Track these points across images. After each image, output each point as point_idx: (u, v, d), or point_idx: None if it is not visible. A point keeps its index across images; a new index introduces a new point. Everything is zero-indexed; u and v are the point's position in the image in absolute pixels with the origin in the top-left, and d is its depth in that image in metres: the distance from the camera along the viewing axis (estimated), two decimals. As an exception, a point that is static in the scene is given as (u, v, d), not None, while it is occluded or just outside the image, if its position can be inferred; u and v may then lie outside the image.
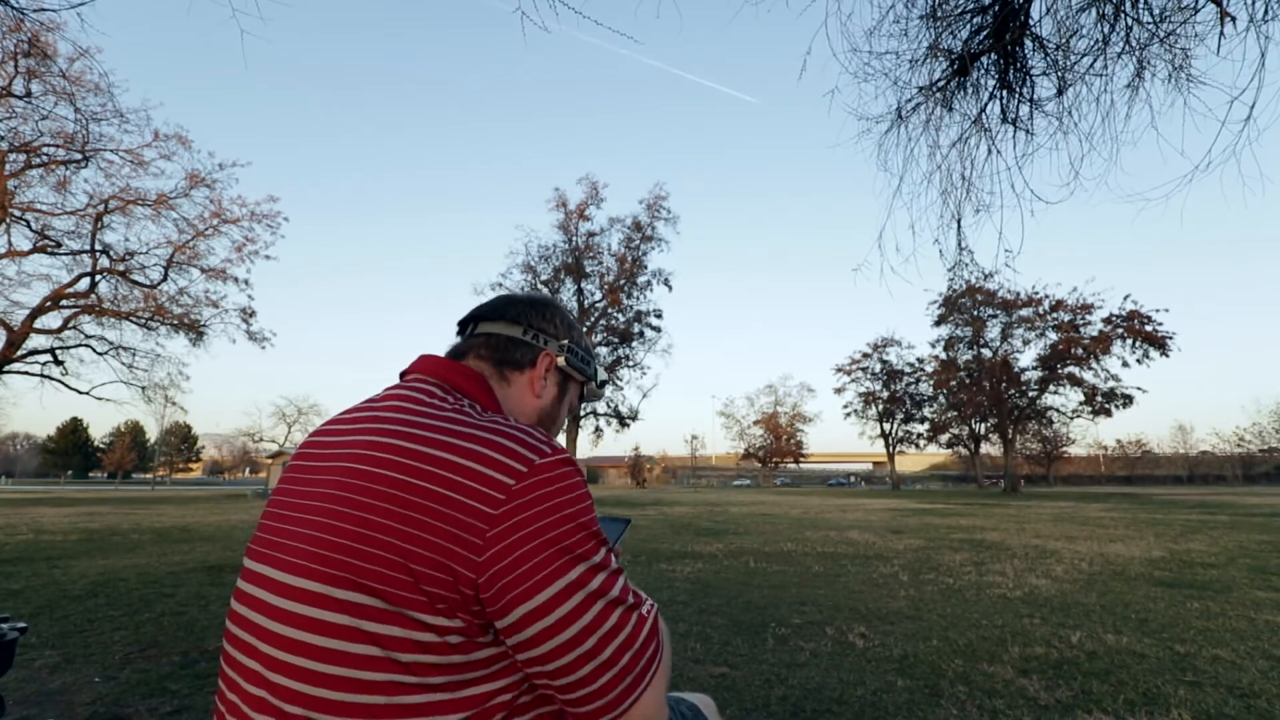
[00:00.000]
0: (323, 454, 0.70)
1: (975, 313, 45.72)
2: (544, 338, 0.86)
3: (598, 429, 37.25)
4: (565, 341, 0.88)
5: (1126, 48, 2.89)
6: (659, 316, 36.19)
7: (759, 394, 74.44)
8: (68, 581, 6.09)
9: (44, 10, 3.42)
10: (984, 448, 53.68)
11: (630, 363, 36.21)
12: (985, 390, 45.16)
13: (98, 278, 21.56)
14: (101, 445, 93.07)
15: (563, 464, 0.64)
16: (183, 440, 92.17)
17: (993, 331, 45.96)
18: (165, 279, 22.09)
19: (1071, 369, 42.60)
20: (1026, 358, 46.49)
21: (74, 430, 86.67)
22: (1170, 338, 38.75)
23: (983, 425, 49.06)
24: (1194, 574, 6.68)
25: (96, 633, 4.20)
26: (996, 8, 3.02)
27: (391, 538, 0.58)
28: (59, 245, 20.70)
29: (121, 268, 21.51)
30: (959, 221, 3.63)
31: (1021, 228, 3.56)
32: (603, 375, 0.96)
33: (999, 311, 44.89)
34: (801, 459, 74.72)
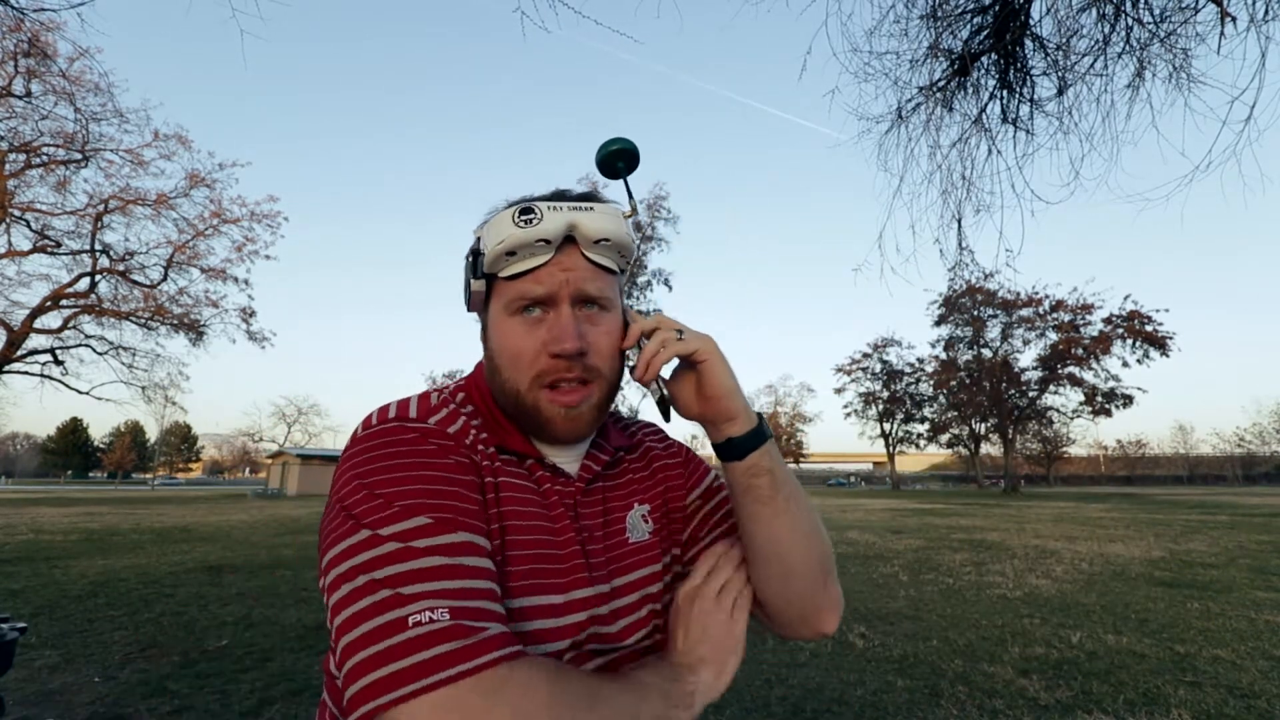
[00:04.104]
0: None
1: (975, 313, 45.69)
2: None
3: (597, 429, 37.21)
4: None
5: (1127, 48, 2.89)
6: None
7: (759, 394, 74.30)
8: (68, 581, 6.08)
9: (44, 10, 3.42)
10: (984, 448, 53.60)
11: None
12: (985, 390, 45.14)
13: (98, 278, 21.53)
14: (101, 445, 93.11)
15: (377, 435, 0.60)
16: (183, 440, 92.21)
17: (993, 331, 45.96)
18: (165, 279, 22.06)
19: (1072, 369, 42.60)
20: (1026, 358, 46.49)
21: (74, 430, 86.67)
22: (1170, 338, 38.76)
23: (983, 425, 49.02)
24: (1194, 574, 6.68)
25: (96, 633, 4.20)
26: (997, 8, 3.02)
27: None
28: (59, 245, 20.68)
29: (121, 268, 21.48)
30: (959, 221, 3.63)
31: (1022, 228, 3.57)
32: (498, 235, 0.62)
33: (999, 311, 44.86)
34: (802, 459, 74.74)
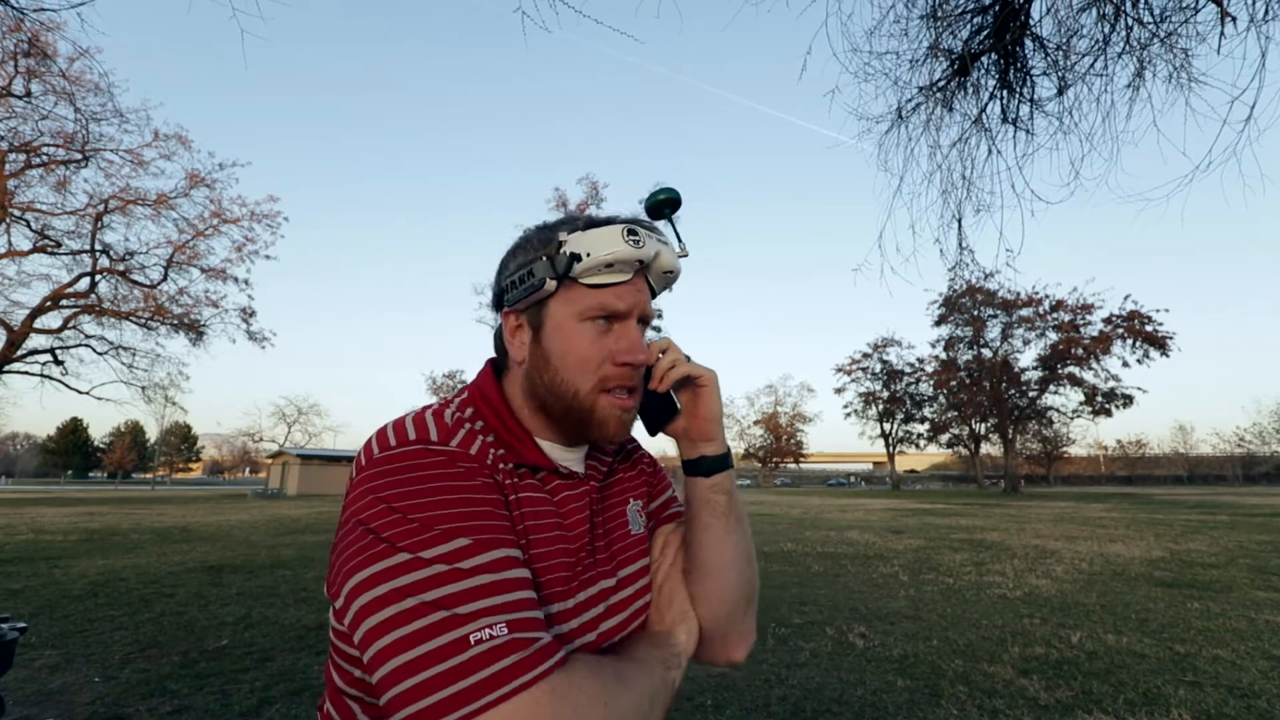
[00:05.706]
0: None
1: (975, 313, 45.66)
2: (504, 299, 0.74)
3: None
4: (506, 281, 0.72)
5: (1127, 48, 2.88)
6: (659, 316, 36.21)
7: (759, 394, 74.26)
8: (68, 581, 6.09)
9: (44, 10, 3.42)
10: (984, 448, 53.60)
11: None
12: (985, 390, 45.13)
13: (98, 277, 21.53)
14: (101, 445, 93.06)
15: (401, 458, 0.60)
16: (183, 440, 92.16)
17: (993, 331, 45.93)
18: (165, 279, 22.04)
19: (1072, 369, 42.59)
20: (1027, 358, 46.43)
21: (74, 430, 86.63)
22: (1170, 338, 38.76)
23: (983, 425, 49.01)
24: (1194, 574, 6.68)
25: (96, 633, 4.20)
26: (997, 8, 3.02)
27: None
28: (59, 245, 20.68)
29: (121, 268, 21.48)
30: (959, 221, 3.63)
31: (1022, 228, 3.56)
32: (606, 247, 0.66)
33: (999, 311, 44.84)
34: (801, 459, 74.66)
